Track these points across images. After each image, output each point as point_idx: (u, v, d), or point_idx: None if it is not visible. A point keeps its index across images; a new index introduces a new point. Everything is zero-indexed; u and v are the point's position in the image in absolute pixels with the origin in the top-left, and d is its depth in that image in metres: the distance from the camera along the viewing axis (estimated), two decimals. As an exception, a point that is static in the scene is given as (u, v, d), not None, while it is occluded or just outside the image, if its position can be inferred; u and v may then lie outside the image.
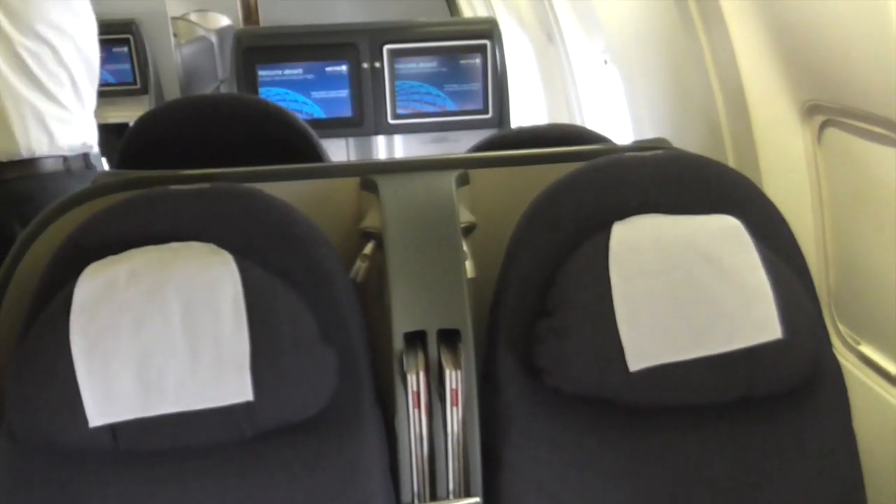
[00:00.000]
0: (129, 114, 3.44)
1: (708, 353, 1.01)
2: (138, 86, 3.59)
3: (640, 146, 1.31)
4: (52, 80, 1.74)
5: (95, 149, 1.90)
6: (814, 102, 1.23)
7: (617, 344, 1.01)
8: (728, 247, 1.05)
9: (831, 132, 1.24)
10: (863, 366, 1.23)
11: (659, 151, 1.20)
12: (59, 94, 1.75)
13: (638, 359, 1.01)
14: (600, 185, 1.12)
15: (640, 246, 1.05)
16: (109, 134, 2.63)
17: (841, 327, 1.30)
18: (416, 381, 1.04)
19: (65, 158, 1.78)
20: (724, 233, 1.06)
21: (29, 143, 1.72)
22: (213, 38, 5.83)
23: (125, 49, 3.50)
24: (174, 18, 4.37)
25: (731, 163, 1.41)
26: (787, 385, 1.06)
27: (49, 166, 1.76)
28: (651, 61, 1.76)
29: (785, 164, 1.32)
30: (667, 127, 1.73)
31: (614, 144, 1.50)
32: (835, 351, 1.15)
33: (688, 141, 1.54)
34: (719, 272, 1.03)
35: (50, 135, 1.74)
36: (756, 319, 1.02)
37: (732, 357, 1.01)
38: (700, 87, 1.45)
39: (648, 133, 1.82)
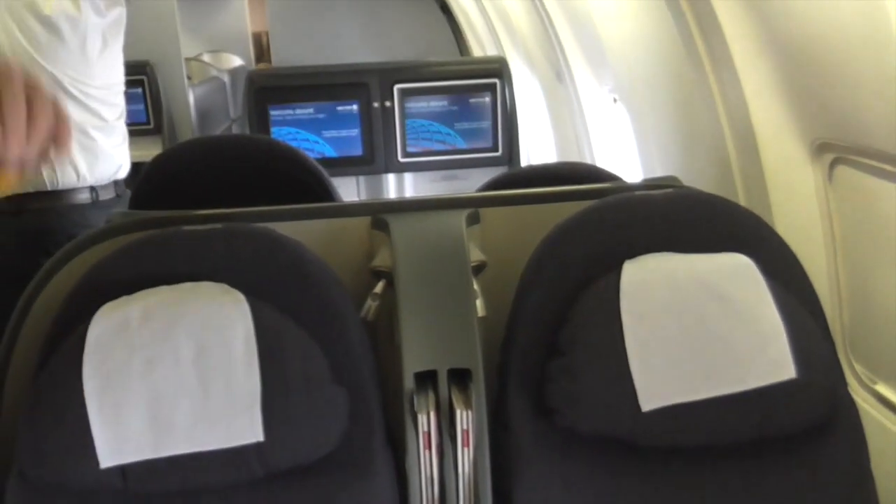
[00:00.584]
0: (142, 153, 3.47)
1: (721, 393, 1.00)
2: (152, 126, 3.65)
3: (650, 184, 1.32)
4: (85, 113, 1.76)
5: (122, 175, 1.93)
6: (823, 141, 1.24)
7: (629, 384, 1.00)
8: (740, 285, 1.04)
9: (842, 170, 1.25)
10: (879, 405, 1.22)
11: (669, 190, 1.20)
12: (89, 127, 1.77)
13: (650, 399, 1.00)
14: (611, 224, 1.12)
15: (651, 285, 1.05)
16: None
17: (856, 366, 1.29)
18: (426, 422, 1.03)
19: (92, 189, 1.80)
20: (735, 271, 1.06)
21: (54, 174, 1.73)
22: (226, 78, 5.92)
23: (139, 90, 3.55)
24: (188, 59, 4.44)
25: (742, 201, 1.41)
26: (803, 425, 1.04)
27: (76, 198, 1.78)
28: (661, 100, 1.77)
29: (796, 201, 1.32)
30: (677, 165, 1.74)
31: (624, 183, 1.50)
32: (850, 390, 1.14)
33: (698, 179, 1.54)
34: (731, 311, 1.03)
35: (77, 167, 1.76)
36: (769, 359, 1.01)
37: (746, 397, 1.00)
38: (710, 125, 1.46)
39: (659, 171, 1.83)
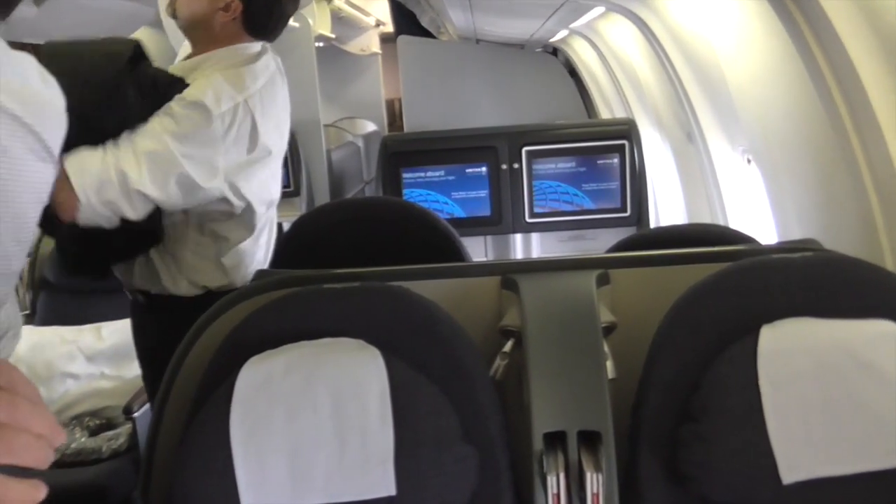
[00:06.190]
0: (282, 214, 3.67)
1: (869, 469, 0.95)
2: (292, 188, 3.85)
3: (788, 247, 1.28)
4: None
5: None
6: (980, 202, 1.17)
7: (768, 454, 0.96)
8: (889, 354, 0.99)
9: None
10: None
11: (809, 253, 1.16)
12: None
13: (791, 471, 0.96)
14: (745, 288, 1.09)
15: (790, 351, 1.01)
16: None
17: None
18: (556, 483, 1.03)
19: None
20: (882, 339, 1.00)
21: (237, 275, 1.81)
22: (360, 143, 6.20)
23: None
24: (326, 126, 4.69)
25: (890, 266, 1.34)
26: None
27: None
28: (798, 161, 1.72)
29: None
30: (816, 227, 1.67)
31: (760, 245, 1.46)
32: None
33: (840, 242, 1.48)
34: (879, 380, 0.97)
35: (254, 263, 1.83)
36: (924, 433, 0.95)
37: None
38: (852, 186, 1.40)
39: (796, 234, 1.76)
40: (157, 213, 1.60)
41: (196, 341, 1.21)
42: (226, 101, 1.59)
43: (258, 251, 1.81)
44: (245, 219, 1.72)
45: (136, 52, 1.59)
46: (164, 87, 1.60)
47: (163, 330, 1.76)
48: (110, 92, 1.53)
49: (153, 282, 1.74)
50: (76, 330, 2.55)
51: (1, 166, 0.78)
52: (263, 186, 1.74)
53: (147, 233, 1.66)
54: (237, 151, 1.63)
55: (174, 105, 1.57)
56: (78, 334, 2.54)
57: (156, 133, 1.54)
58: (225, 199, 1.65)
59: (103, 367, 2.48)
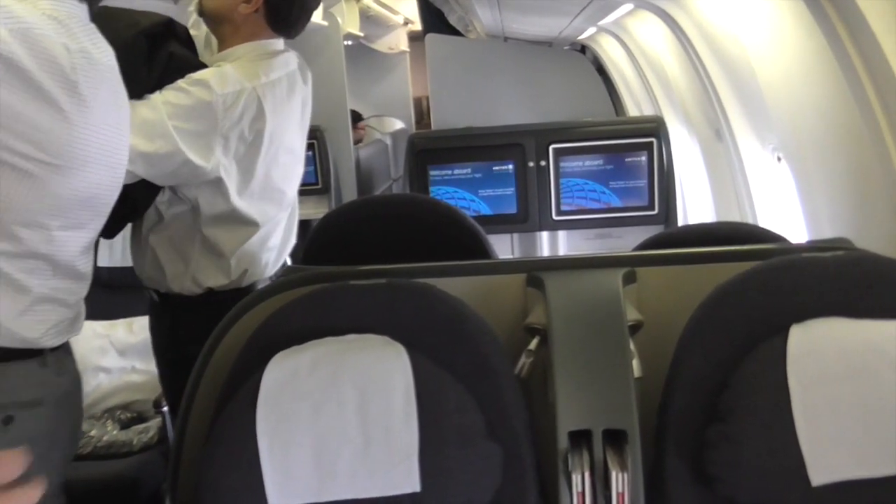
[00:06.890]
0: (310, 212, 3.69)
1: None
2: (320, 185, 3.87)
3: (818, 246, 1.26)
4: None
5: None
6: None
7: (796, 455, 0.95)
8: None
9: None
10: None
11: (840, 252, 1.14)
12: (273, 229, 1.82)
13: (821, 472, 0.95)
14: (775, 287, 1.08)
15: (820, 351, 1.00)
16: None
17: None
18: (580, 482, 1.02)
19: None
20: (915, 340, 0.99)
21: (242, 276, 1.78)
22: (388, 141, 6.22)
23: (310, 153, 3.78)
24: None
25: (925, 265, 1.32)
26: None
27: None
28: (831, 159, 1.70)
29: None
30: (849, 227, 1.65)
31: (790, 244, 1.45)
32: None
33: (873, 242, 1.45)
34: (913, 382, 0.96)
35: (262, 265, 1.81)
36: (958, 436, 0.93)
37: None
38: (886, 185, 1.38)
39: (828, 233, 1.74)
40: (144, 186, 1.60)
41: (223, 337, 1.23)
42: (231, 85, 1.62)
43: (266, 253, 1.79)
44: (250, 217, 1.72)
45: (163, 30, 1.62)
46: (186, 69, 1.63)
47: (173, 329, 1.79)
48: (126, 64, 1.57)
49: (160, 281, 1.76)
50: (108, 324, 2.59)
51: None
52: (269, 182, 1.74)
53: (132, 205, 1.65)
54: (237, 137, 1.64)
55: (181, 81, 1.60)
56: (110, 328, 2.58)
57: (155, 103, 1.57)
58: (222, 190, 1.65)
59: (134, 361, 2.52)
